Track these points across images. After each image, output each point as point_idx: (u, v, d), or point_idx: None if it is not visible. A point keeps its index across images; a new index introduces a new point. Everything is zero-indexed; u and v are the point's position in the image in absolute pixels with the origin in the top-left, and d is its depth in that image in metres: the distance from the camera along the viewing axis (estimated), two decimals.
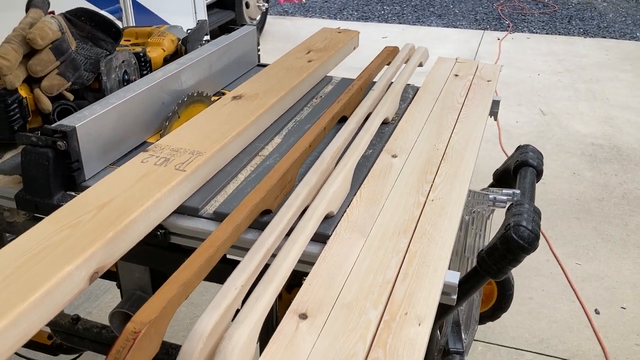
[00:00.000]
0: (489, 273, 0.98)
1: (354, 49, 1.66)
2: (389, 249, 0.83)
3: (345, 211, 0.92)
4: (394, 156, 1.08)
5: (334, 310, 0.72)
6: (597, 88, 4.52)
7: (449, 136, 1.17)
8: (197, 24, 1.54)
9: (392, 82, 1.37)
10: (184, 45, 1.46)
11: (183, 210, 0.94)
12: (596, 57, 5.25)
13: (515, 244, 0.95)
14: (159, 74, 1.18)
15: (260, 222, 0.91)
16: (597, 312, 2.30)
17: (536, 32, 5.95)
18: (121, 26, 1.36)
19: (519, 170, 1.16)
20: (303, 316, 0.71)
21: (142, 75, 1.32)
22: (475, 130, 1.19)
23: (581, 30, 6.02)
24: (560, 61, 5.15)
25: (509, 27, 6.00)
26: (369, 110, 1.20)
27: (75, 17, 1.21)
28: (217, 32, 4.45)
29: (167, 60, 1.44)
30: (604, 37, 5.84)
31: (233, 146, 1.08)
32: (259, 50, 1.57)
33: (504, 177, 1.24)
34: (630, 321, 2.31)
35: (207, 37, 1.58)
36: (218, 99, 1.33)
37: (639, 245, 2.75)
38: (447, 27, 6.11)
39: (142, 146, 1.14)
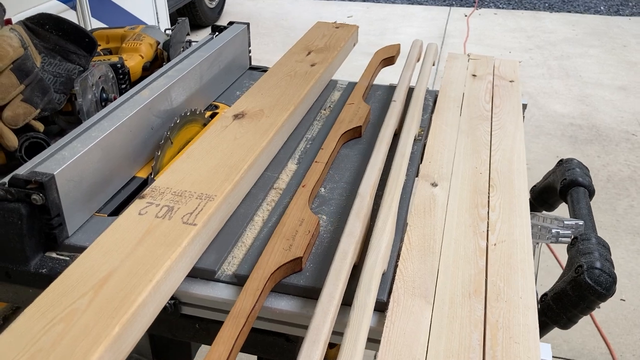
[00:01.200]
0: (556, 322, 0.84)
1: (354, 45, 1.48)
2: (465, 320, 0.68)
3: (396, 265, 0.76)
4: (434, 185, 0.92)
5: None
6: (569, 65, 4.47)
7: (488, 155, 1.01)
8: (178, 23, 1.33)
9: (410, 88, 1.20)
10: (166, 51, 1.25)
11: (195, 273, 0.76)
12: (564, 32, 5.20)
13: (590, 290, 0.81)
14: (147, 93, 0.98)
15: (291, 286, 0.74)
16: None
17: (502, 7, 5.86)
18: (77, 20, 1.15)
19: (568, 191, 1.02)
20: None
21: (120, 90, 1.12)
22: (517, 147, 1.04)
23: (546, 4, 5.97)
24: (529, 37, 5.07)
25: (475, 2, 5.89)
26: (395, 126, 1.03)
27: (38, 25, 1.00)
28: (176, 15, 4.16)
29: (147, 68, 1.24)
30: (569, 12, 5.79)
31: (246, 182, 0.90)
32: (250, 52, 1.38)
33: (544, 196, 1.10)
34: (631, 314, 2.25)
35: (188, 37, 1.38)
36: (211, 117, 1.14)
37: (630, 231, 2.70)
38: (412, 4, 5.95)
39: (131, 183, 0.95)
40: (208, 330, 0.83)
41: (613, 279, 0.82)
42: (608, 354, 2.09)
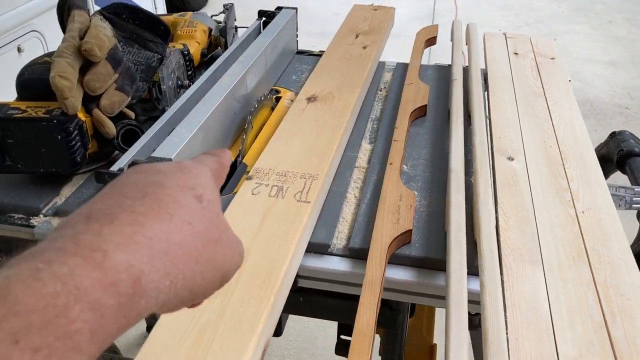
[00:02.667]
0: None
1: (392, 27, 1.52)
2: (576, 281, 0.73)
3: (498, 234, 0.81)
4: (510, 159, 0.97)
5: None
6: (559, 42, 4.55)
7: (552, 129, 1.07)
8: (227, 9, 1.35)
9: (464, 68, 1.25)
10: (223, 37, 1.28)
11: (310, 248, 0.80)
12: (550, 9, 5.28)
13: None
14: (227, 79, 1.01)
15: (405, 257, 0.78)
16: None
17: None
18: None
19: (626, 162, 1.08)
20: None
21: (188, 77, 1.15)
22: (576, 121, 1.10)
23: None
24: (517, 15, 5.14)
25: None
26: (461, 105, 1.08)
27: (114, 15, 1.01)
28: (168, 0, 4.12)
29: (204, 55, 1.26)
30: None
31: (336, 161, 0.94)
32: (297, 36, 1.40)
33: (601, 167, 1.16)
34: None
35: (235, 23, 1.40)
36: (276, 101, 1.18)
37: None
38: None
39: None
40: (311, 302, 0.88)
41: None
42: None
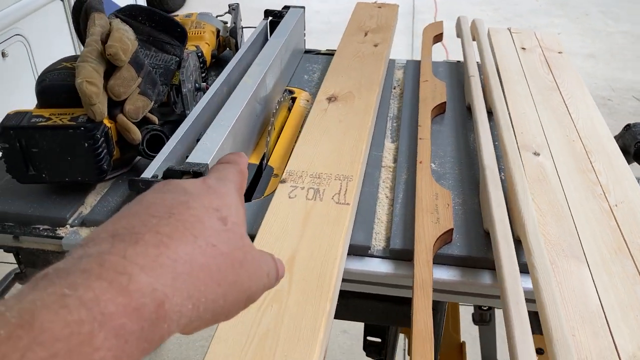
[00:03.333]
0: None
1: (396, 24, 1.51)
2: (621, 274, 0.74)
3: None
4: (536, 154, 0.98)
5: None
6: None
7: (571, 123, 1.07)
8: (232, 8, 1.33)
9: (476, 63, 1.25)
10: (233, 37, 1.26)
11: (350, 251, 0.79)
12: (528, 3, 5.34)
13: None
14: (249, 81, 0.99)
15: (448, 256, 0.78)
16: None
17: None
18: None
19: None
20: None
21: (203, 79, 1.12)
22: (593, 113, 1.10)
23: None
24: (496, 10, 5.19)
25: None
26: (482, 101, 1.08)
27: (130, 17, 0.99)
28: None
29: (215, 56, 1.24)
30: None
31: (365, 161, 0.93)
32: (304, 35, 1.39)
33: None
34: None
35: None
36: (292, 101, 1.16)
37: None
38: None
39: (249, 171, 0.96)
40: (347, 305, 0.87)
41: None
42: None
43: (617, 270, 0.74)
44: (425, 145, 0.98)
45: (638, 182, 0.98)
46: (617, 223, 0.83)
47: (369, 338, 1.04)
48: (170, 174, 0.76)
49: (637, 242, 0.79)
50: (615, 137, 1.19)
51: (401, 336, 1.21)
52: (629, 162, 1.14)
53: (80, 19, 0.94)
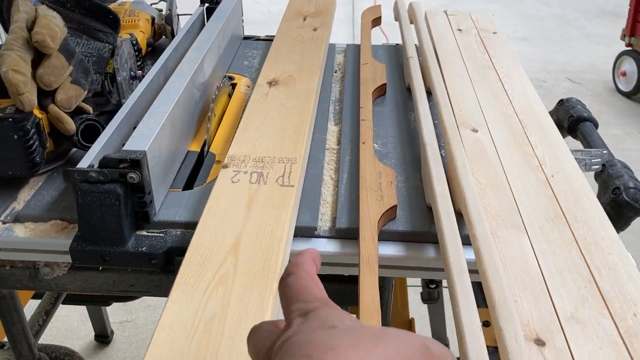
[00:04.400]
0: None
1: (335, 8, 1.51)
2: (559, 241, 0.76)
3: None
4: (475, 130, 1.00)
5: (568, 330, 0.63)
6: None
7: (508, 100, 1.10)
8: None
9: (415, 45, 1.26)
10: (169, 24, 1.23)
11: (296, 232, 0.79)
12: None
13: (629, 207, 0.92)
14: (186, 67, 0.97)
15: (393, 232, 0.79)
16: None
17: None
18: None
19: (576, 127, 1.13)
20: (539, 342, 0.62)
21: (139, 68, 1.09)
22: (528, 91, 1.14)
23: None
24: None
25: None
26: (421, 81, 1.09)
27: (58, 4, 0.95)
28: None
29: (150, 44, 1.21)
30: None
31: (309, 144, 0.93)
32: (243, 21, 1.37)
33: None
34: None
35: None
36: (232, 88, 1.15)
37: None
38: None
39: (188, 158, 0.94)
40: None
41: None
42: None
43: (555, 236, 0.77)
44: (368, 126, 0.98)
45: (576, 153, 1.02)
46: (553, 192, 0.85)
47: None
48: (106, 162, 0.74)
49: (572, 209, 0.82)
50: (550, 113, 1.23)
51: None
52: (563, 136, 1.18)
53: (3, 6, 0.89)
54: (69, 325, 2.15)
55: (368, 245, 0.72)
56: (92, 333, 2.09)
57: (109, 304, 1.52)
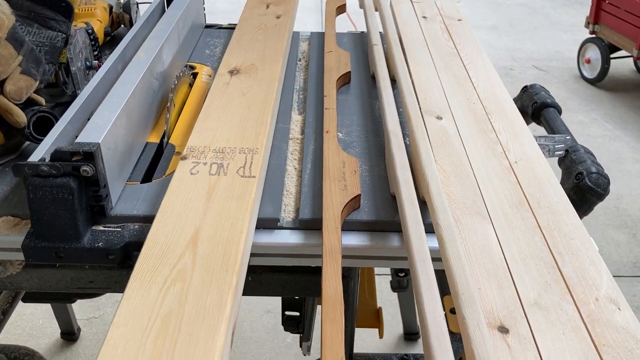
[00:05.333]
0: None
1: None
2: (522, 227, 0.76)
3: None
4: (439, 118, 0.99)
5: (531, 316, 0.63)
6: None
7: (472, 87, 1.09)
8: None
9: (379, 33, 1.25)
10: (127, 13, 1.19)
11: (259, 224, 0.77)
12: None
13: (591, 192, 0.92)
14: (144, 56, 0.94)
15: (357, 222, 0.78)
16: None
17: None
18: None
19: (540, 113, 1.13)
20: (503, 329, 0.62)
21: (95, 58, 1.06)
22: (492, 77, 1.13)
23: None
24: None
25: None
26: (385, 69, 1.08)
27: None
28: None
29: (108, 33, 1.17)
30: None
31: (271, 133, 0.91)
32: (204, 9, 1.34)
33: None
34: None
35: None
36: (194, 77, 1.12)
37: None
38: None
39: (146, 150, 0.91)
40: (259, 280, 0.85)
41: (608, 180, 0.94)
42: None
43: (518, 223, 0.77)
44: (332, 115, 0.97)
45: (539, 138, 1.02)
46: (517, 179, 0.85)
47: (287, 313, 1.03)
48: (58, 155, 0.71)
49: (536, 195, 0.82)
50: (514, 99, 1.23)
51: (319, 308, 1.21)
52: (527, 122, 1.18)
53: None
54: (34, 323, 2.10)
55: (331, 236, 0.71)
56: (59, 331, 2.04)
57: (72, 301, 1.48)
